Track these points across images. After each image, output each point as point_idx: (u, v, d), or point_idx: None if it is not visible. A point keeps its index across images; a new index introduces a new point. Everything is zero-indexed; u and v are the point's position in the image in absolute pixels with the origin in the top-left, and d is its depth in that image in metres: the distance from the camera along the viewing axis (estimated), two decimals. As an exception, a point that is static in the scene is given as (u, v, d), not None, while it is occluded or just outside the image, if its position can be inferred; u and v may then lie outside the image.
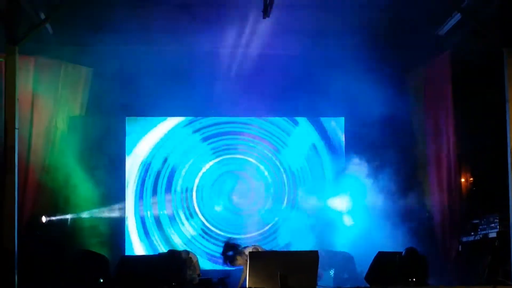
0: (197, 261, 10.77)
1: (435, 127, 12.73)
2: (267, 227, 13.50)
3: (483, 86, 11.49)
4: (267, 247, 12.90)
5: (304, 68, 13.00)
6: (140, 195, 13.43)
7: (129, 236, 13.24)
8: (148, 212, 13.39)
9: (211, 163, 13.62)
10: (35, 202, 12.17)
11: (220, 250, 10.45)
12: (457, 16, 11.40)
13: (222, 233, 13.42)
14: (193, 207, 13.44)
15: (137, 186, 13.43)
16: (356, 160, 12.98)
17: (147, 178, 13.48)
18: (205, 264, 12.88)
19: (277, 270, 8.81)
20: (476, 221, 11.22)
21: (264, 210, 13.56)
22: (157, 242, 13.34)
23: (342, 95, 12.93)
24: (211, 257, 13.19)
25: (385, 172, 12.64)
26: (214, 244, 13.29)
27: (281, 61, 12.81)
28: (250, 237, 13.43)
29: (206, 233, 13.30)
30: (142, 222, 13.38)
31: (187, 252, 10.80)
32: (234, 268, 11.51)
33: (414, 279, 9.47)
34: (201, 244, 13.34)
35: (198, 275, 10.52)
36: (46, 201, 12.28)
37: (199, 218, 13.42)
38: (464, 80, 11.93)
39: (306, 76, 13.02)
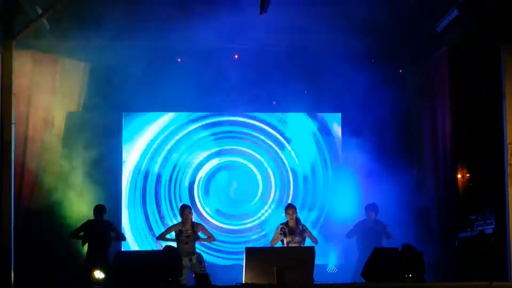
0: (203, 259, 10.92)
1: (432, 123, 12.75)
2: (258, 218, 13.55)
3: (480, 82, 11.50)
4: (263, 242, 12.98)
5: (301, 64, 13.00)
6: (134, 190, 13.41)
7: (124, 231, 13.21)
8: (144, 207, 13.40)
9: (207, 159, 13.64)
10: (31, 198, 12.18)
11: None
12: (455, 12, 11.39)
13: (220, 232, 13.46)
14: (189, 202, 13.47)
15: (132, 181, 13.41)
16: (353, 155, 12.99)
17: (142, 173, 13.46)
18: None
19: (273, 265, 8.82)
20: (473, 217, 11.24)
21: (263, 205, 13.59)
22: (152, 238, 13.32)
23: (339, 90, 12.93)
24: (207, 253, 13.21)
25: (382, 168, 12.65)
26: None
27: (277, 57, 12.82)
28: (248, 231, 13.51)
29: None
30: (136, 218, 13.37)
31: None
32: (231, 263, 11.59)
33: (410, 275, 9.47)
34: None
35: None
36: (43, 197, 12.26)
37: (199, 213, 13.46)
38: (461, 76, 11.93)
39: (303, 72, 13.02)
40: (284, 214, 10.79)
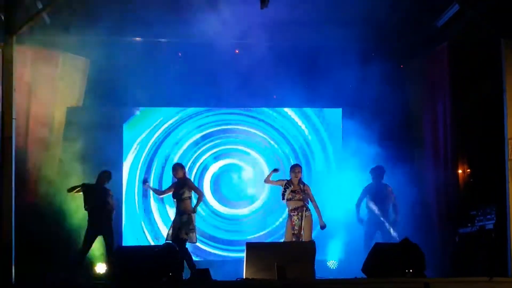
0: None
1: (432, 119, 12.74)
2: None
3: (481, 77, 11.49)
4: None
5: (301, 59, 13.00)
6: (135, 185, 13.40)
7: (122, 226, 13.19)
8: (144, 203, 13.40)
9: (208, 153, 13.65)
10: (33, 193, 12.18)
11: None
12: (455, 7, 11.38)
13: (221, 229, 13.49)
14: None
15: (132, 176, 13.40)
16: (354, 150, 12.99)
17: (143, 168, 13.45)
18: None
19: (274, 260, 8.84)
20: (473, 212, 11.24)
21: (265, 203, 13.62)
22: (152, 234, 13.33)
23: (340, 86, 12.92)
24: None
25: (383, 163, 12.63)
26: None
27: (278, 52, 12.80)
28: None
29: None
30: (137, 213, 13.36)
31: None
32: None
33: (411, 270, 9.49)
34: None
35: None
36: (43, 193, 12.26)
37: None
38: (462, 71, 11.93)
39: (303, 67, 13.01)
40: (290, 172, 11.21)
